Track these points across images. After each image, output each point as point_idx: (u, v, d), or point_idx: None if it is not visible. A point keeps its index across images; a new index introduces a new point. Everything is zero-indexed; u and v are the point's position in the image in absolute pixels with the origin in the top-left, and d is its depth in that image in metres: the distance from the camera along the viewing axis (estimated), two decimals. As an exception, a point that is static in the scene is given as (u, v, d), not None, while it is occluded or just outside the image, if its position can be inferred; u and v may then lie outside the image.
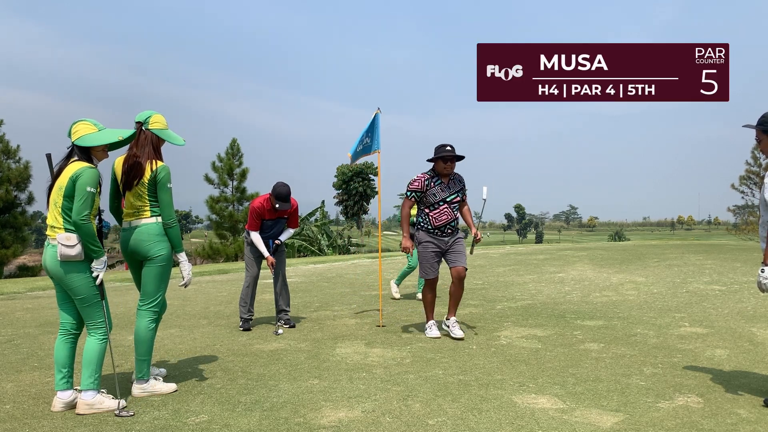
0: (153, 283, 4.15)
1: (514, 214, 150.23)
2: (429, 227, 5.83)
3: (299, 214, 6.77)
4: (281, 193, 6.13)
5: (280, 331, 6.18)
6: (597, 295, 8.64)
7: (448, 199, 5.85)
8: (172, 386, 4.18)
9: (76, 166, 3.73)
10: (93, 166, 3.77)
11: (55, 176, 3.82)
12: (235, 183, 30.91)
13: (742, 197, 42.35)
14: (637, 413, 3.67)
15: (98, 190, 3.78)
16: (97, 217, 3.92)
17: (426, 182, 5.80)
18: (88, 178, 3.68)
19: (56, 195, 3.73)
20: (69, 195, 3.68)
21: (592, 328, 6.24)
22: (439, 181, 5.82)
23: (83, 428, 3.47)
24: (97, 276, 3.77)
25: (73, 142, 3.82)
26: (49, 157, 3.98)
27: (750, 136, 4.07)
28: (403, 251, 5.90)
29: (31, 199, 25.84)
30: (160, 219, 4.17)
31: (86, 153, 3.84)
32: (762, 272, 3.69)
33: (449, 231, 5.88)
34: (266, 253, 6.34)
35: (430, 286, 5.98)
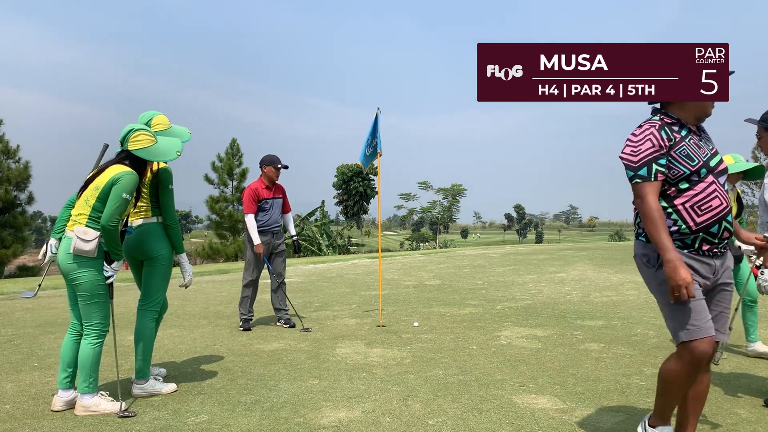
0: (153, 283, 4.15)
1: (514, 214, 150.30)
2: (685, 230, 2.83)
3: (299, 214, 6.86)
4: (275, 158, 6.44)
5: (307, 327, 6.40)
6: (597, 295, 8.64)
7: (712, 164, 2.90)
8: (172, 386, 4.18)
9: (116, 170, 3.70)
10: (133, 171, 3.74)
11: (96, 172, 3.79)
12: (234, 183, 30.92)
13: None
14: (637, 413, 3.67)
15: (132, 197, 3.74)
16: (125, 221, 3.91)
17: (665, 134, 2.86)
18: (126, 185, 3.65)
19: (90, 193, 3.71)
20: (104, 198, 3.66)
21: (592, 328, 6.24)
22: (687, 131, 2.92)
23: (83, 428, 3.47)
24: (109, 276, 3.75)
25: (131, 151, 3.79)
26: (105, 147, 4.00)
27: (750, 135, 4.07)
28: (675, 293, 2.68)
29: (31, 199, 25.83)
30: (161, 219, 4.18)
31: (142, 161, 3.84)
32: (762, 274, 3.69)
33: (725, 239, 2.89)
34: (257, 240, 6.36)
35: (698, 357, 2.76)
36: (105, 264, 3.72)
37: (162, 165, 4.18)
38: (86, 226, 3.65)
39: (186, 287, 4.41)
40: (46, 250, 4.02)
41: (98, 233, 3.64)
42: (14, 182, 24.84)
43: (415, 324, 6.48)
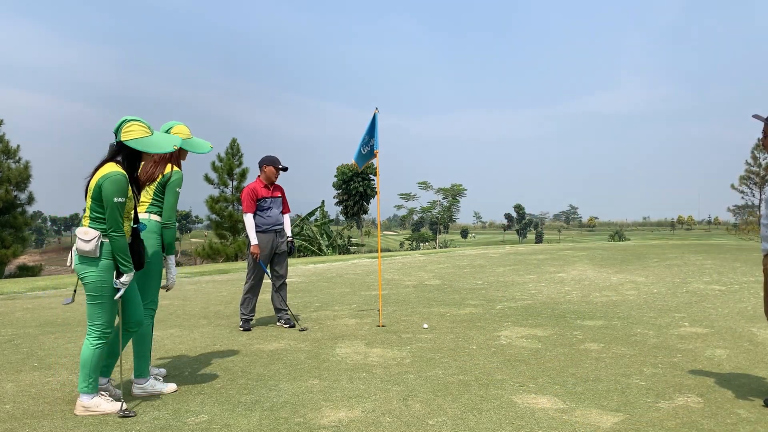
0: (147, 281, 4.16)
1: (514, 214, 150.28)
2: None
3: (299, 214, 6.86)
4: (275, 159, 6.43)
5: (303, 326, 6.20)
6: (597, 295, 8.64)
7: None
8: (172, 386, 4.18)
9: (105, 170, 3.63)
10: (119, 171, 3.62)
11: (92, 173, 3.76)
12: (234, 183, 30.97)
13: (742, 197, 42.56)
14: (637, 413, 3.67)
15: (128, 195, 3.67)
16: (133, 217, 3.87)
17: None
18: (113, 188, 3.56)
19: (88, 196, 3.70)
20: (96, 198, 3.64)
21: (592, 328, 6.24)
22: None
23: (83, 428, 3.47)
24: (117, 290, 3.69)
25: (123, 141, 3.69)
26: (112, 146, 3.98)
27: (751, 135, 4.07)
28: None
29: (31, 199, 25.87)
30: (157, 217, 4.22)
31: (136, 153, 3.78)
32: None
33: None
34: (254, 240, 6.36)
35: None
36: (115, 278, 3.69)
37: (176, 169, 4.24)
38: (88, 226, 3.65)
39: (167, 290, 4.40)
40: (72, 255, 4.03)
41: (98, 233, 3.63)
42: (14, 182, 24.88)
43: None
